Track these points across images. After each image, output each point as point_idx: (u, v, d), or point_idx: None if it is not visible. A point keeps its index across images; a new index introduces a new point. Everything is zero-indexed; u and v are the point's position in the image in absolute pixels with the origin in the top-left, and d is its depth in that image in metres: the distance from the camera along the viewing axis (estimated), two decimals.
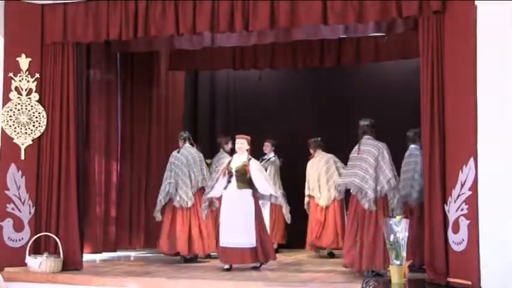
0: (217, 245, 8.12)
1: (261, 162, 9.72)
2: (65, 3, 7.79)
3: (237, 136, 8.23)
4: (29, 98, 7.78)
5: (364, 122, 7.36)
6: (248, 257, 7.75)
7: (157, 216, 8.69)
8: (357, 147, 7.32)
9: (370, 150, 7.16)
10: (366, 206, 6.94)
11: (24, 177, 7.66)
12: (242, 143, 8.09)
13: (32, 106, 7.77)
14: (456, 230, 6.25)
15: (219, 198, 8.24)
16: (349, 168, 7.32)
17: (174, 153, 8.89)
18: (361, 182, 7.03)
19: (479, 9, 6.16)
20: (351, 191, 7.20)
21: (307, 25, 7.38)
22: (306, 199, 9.66)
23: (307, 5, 7.00)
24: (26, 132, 7.73)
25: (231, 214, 7.83)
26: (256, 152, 9.54)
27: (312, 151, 9.78)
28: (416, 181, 7.59)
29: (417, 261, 7.33)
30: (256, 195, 8.00)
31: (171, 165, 8.81)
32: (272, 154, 9.97)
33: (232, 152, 9.00)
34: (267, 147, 10.05)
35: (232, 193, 7.93)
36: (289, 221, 8.14)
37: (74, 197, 7.73)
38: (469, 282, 6.00)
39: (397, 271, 5.41)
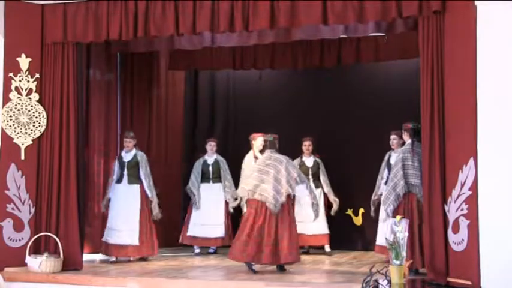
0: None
1: (203, 163, 9.80)
2: (65, 3, 7.79)
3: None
4: (29, 98, 7.78)
5: (418, 125, 7.39)
6: None
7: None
8: (410, 148, 7.47)
9: (421, 153, 7.22)
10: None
11: (24, 177, 7.66)
12: None
13: (32, 106, 7.77)
14: (456, 230, 6.25)
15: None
16: (409, 169, 7.43)
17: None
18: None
19: (479, 9, 6.16)
20: (414, 191, 7.31)
21: (307, 25, 7.38)
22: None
23: (307, 5, 6.99)
24: (26, 132, 7.73)
25: None
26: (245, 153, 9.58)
27: (310, 150, 9.77)
28: None
29: None
30: None
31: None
32: (215, 155, 9.86)
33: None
34: (214, 147, 9.86)
35: None
36: None
37: (74, 197, 7.72)
38: (469, 282, 6.00)
39: (397, 271, 5.40)
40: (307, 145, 9.75)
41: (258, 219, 7.54)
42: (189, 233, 9.60)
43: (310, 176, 9.58)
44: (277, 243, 7.46)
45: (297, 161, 9.55)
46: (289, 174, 7.65)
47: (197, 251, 9.58)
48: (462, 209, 6.18)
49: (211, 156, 9.83)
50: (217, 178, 9.74)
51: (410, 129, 7.66)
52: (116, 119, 9.95)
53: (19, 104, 7.74)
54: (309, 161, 9.74)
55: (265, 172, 7.69)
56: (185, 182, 10.90)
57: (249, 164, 9.13)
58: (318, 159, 9.74)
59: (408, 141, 7.65)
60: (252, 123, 10.53)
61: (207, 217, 9.56)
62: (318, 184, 9.61)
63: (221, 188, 9.73)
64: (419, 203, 7.21)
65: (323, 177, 9.67)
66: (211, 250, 9.72)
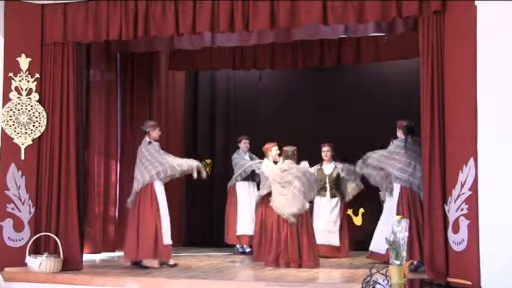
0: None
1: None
2: (65, 3, 7.80)
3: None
4: (29, 98, 7.78)
5: (412, 123, 7.55)
6: None
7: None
8: (403, 144, 7.66)
9: (417, 150, 7.36)
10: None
11: (24, 177, 7.66)
12: None
13: (32, 106, 7.77)
14: (456, 230, 6.26)
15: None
16: (405, 165, 7.59)
17: None
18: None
19: (479, 9, 6.16)
20: (415, 187, 7.44)
21: (307, 25, 7.38)
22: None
23: (307, 5, 7.00)
24: (26, 132, 7.73)
25: None
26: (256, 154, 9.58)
27: (329, 157, 9.31)
28: None
29: None
30: None
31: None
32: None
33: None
34: (248, 145, 9.82)
35: None
36: None
37: (74, 197, 7.72)
38: (469, 282, 6.00)
39: (397, 271, 5.41)
40: (325, 151, 9.23)
41: (283, 227, 8.10)
42: (239, 232, 9.54)
43: (328, 185, 9.17)
44: (301, 248, 8.08)
45: (314, 168, 9.01)
46: (310, 185, 8.29)
47: (241, 250, 9.65)
48: (462, 209, 6.18)
49: (246, 154, 9.77)
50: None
51: (404, 127, 7.76)
52: (116, 119, 9.95)
53: (19, 104, 7.74)
54: (328, 168, 9.26)
55: (289, 182, 8.16)
56: (186, 182, 10.89)
57: (270, 166, 8.87)
58: (339, 166, 9.21)
59: (401, 137, 7.73)
60: (252, 123, 10.54)
61: (253, 216, 9.45)
62: (335, 194, 9.18)
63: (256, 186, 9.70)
64: (421, 200, 7.22)
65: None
66: (248, 249, 9.62)
